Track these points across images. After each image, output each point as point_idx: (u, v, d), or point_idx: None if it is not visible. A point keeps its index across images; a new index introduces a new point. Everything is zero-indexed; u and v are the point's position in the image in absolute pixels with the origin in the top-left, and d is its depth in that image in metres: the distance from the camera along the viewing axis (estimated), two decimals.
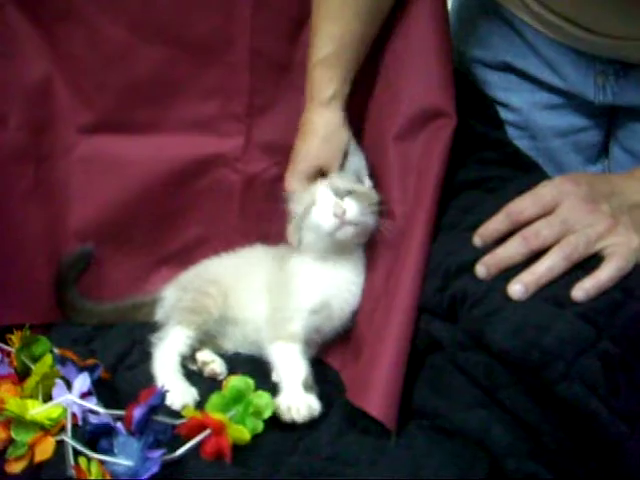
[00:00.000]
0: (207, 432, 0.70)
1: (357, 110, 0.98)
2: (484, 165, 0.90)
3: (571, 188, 0.74)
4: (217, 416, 0.70)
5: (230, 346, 0.95)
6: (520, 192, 0.78)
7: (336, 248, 0.89)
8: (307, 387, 0.82)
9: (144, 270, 1.06)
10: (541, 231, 0.73)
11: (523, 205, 0.75)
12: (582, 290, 0.69)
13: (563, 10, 0.91)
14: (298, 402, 0.79)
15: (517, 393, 0.69)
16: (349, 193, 0.88)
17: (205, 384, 0.87)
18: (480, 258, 0.74)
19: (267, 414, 0.74)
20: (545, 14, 0.94)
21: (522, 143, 1.00)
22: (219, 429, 0.70)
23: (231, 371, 0.89)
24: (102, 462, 0.68)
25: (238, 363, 0.92)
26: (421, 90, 0.89)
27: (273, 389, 0.83)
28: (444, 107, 0.87)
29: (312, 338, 0.90)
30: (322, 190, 0.89)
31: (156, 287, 1.02)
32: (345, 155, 0.93)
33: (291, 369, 0.84)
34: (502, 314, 0.69)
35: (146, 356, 0.89)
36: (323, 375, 0.91)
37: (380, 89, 0.96)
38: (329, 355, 0.95)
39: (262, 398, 0.74)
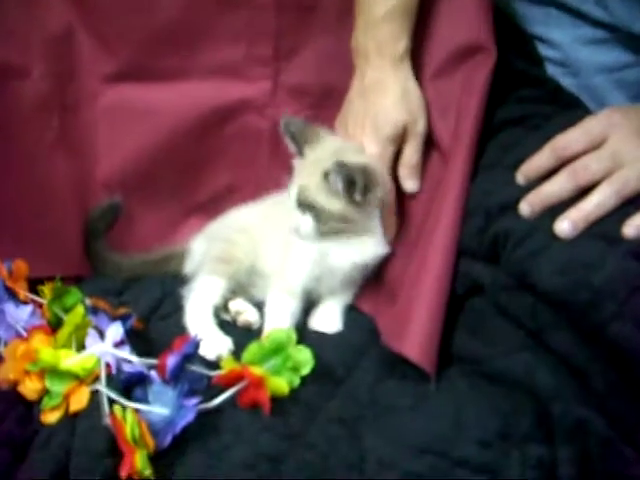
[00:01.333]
0: (245, 383, 0.68)
1: None
2: (524, 103, 0.86)
3: (620, 120, 0.71)
4: (256, 370, 0.68)
5: (263, 295, 0.92)
6: (563, 128, 0.74)
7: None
8: None
9: (173, 221, 1.04)
10: (590, 165, 0.69)
11: (569, 139, 0.72)
12: (633, 227, 0.66)
13: None
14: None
15: (564, 334, 0.66)
16: (312, 209, 0.83)
17: (239, 333, 0.85)
18: (523, 196, 0.71)
19: (305, 370, 0.72)
20: None
21: (563, 80, 0.95)
22: (258, 382, 0.68)
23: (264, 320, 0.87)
24: (137, 410, 0.67)
25: None
26: (457, 25, 0.86)
27: (307, 337, 0.83)
28: (482, 42, 0.84)
29: (318, 289, 0.88)
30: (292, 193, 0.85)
31: (185, 238, 1.01)
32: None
33: (276, 321, 0.83)
34: (548, 253, 0.66)
35: (178, 307, 0.88)
36: (356, 321, 0.89)
37: (416, 25, 0.91)
38: (361, 300, 0.93)
39: (302, 353, 0.72)
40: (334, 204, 0.82)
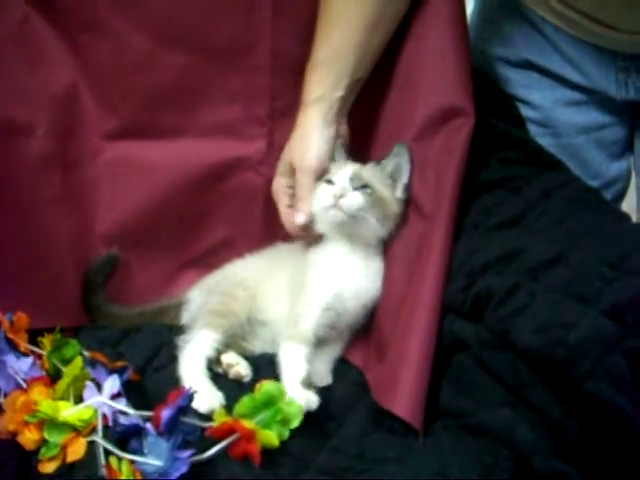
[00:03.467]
0: (236, 435, 0.71)
1: (373, 112, 1.00)
2: (507, 164, 0.90)
3: None
4: (247, 424, 0.71)
5: (256, 347, 0.96)
6: (544, 191, 0.77)
7: (336, 232, 0.92)
8: (305, 384, 0.83)
9: (170, 273, 1.07)
10: None
11: None
12: None
13: (583, 7, 0.92)
14: (297, 397, 0.79)
15: (543, 391, 0.68)
16: (364, 188, 0.89)
17: (231, 386, 0.88)
18: (504, 256, 0.75)
19: (295, 424, 0.74)
20: (565, 11, 0.94)
21: (544, 141, 0.99)
22: (249, 435, 0.70)
23: (255, 374, 0.90)
24: (132, 462, 0.69)
25: (263, 365, 0.92)
26: (438, 89, 0.89)
27: None
28: (462, 106, 0.88)
29: (327, 334, 0.91)
30: (342, 173, 0.91)
31: (182, 290, 1.03)
32: (323, 158, 0.94)
33: (292, 368, 0.85)
34: (527, 312, 0.69)
35: (173, 358, 0.91)
36: (347, 374, 0.92)
37: (396, 90, 0.97)
38: (352, 353, 0.96)
39: (292, 407, 0.74)
40: (384, 190, 0.90)
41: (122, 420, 0.73)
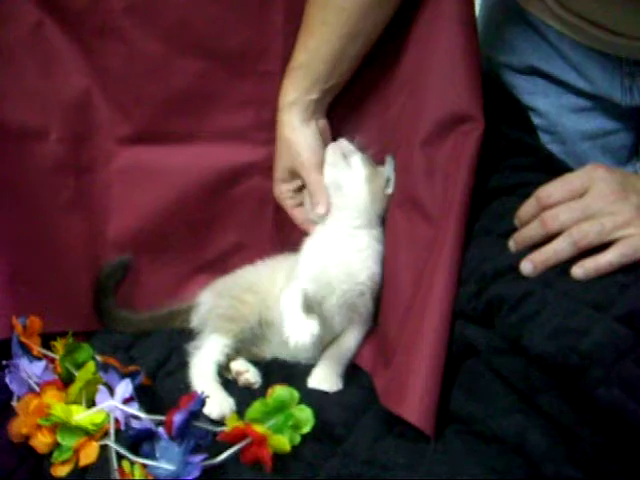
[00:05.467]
0: (248, 440, 0.71)
1: (379, 117, 1.01)
2: (518, 171, 0.89)
3: (602, 175, 0.74)
4: (259, 428, 0.71)
5: (267, 353, 0.96)
6: None
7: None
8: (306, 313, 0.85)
9: (181, 278, 1.07)
10: (559, 215, 0.74)
11: (551, 189, 0.76)
12: (581, 268, 0.70)
13: (584, 11, 0.91)
14: (298, 325, 0.83)
15: (554, 398, 0.69)
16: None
17: (242, 392, 0.88)
18: (516, 263, 0.75)
19: (306, 429, 0.74)
20: (567, 16, 0.94)
21: (551, 148, 1.00)
22: (260, 440, 0.70)
23: (265, 379, 0.91)
24: (145, 466, 0.69)
25: (273, 371, 0.93)
26: (447, 94, 0.89)
27: (308, 395, 0.84)
28: (471, 111, 0.87)
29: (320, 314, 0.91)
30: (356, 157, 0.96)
31: (193, 294, 1.03)
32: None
33: (291, 298, 0.87)
34: (539, 318, 0.69)
35: (184, 363, 0.91)
36: (357, 378, 0.92)
37: (405, 94, 0.97)
38: (360, 358, 0.96)
39: (303, 412, 0.75)
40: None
41: (134, 424, 0.73)
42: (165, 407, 0.75)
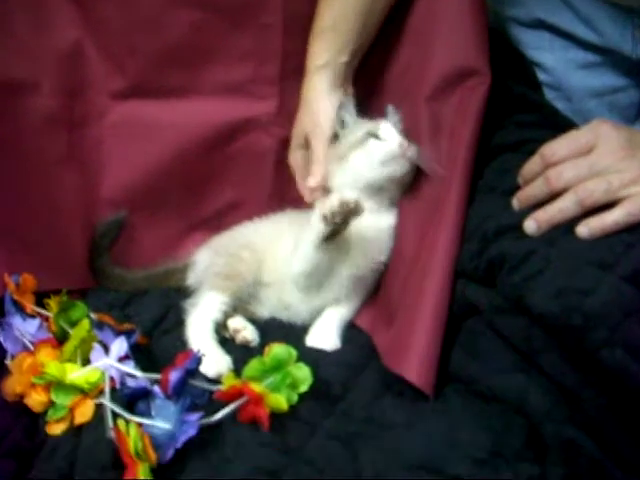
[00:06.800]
0: (245, 399, 0.70)
1: (385, 70, 0.98)
2: (523, 127, 0.87)
3: (609, 131, 0.72)
4: (256, 387, 0.70)
5: (264, 312, 0.95)
6: None
7: (373, 190, 0.90)
8: None
9: (177, 236, 1.05)
10: (563, 173, 0.72)
11: (556, 146, 0.74)
12: (586, 226, 0.69)
13: None
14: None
15: (557, 358, 0.68)
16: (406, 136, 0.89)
17: (239, 350, 0.87)
18: (519, 221, 0.73)
19: (303, 388, 0.73)
20: None
21: (556, 105, 0.97)
22: (257, 399, 0.70)
23: (263, 338, 0.90)
24: (140, 424, 0.68)
25: (271, 330, 0.92)
26: (453, 48, 0.87)
27: (305, 354, 0.83)
28: (478, 65, 0.85)
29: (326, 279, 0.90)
30: (385, 127, 0.90)
31: (189, 252, 1.02)
32: (333, 123, 0.94)
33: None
34: (543, 277, 0.68)
35: (181, 321, 0.90)
36: (355, 338, 0.91)
37: (409, 48, 0.95)
38: (360, 317, 0.95)
39: (301, 371, 0.73)
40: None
41: (130, 383, 0.73)
42: (161, 365, 0.74)
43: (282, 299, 0.93)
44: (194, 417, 0.69)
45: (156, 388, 0.71)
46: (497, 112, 0.86)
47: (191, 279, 0.98)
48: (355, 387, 0.80)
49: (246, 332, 0.89)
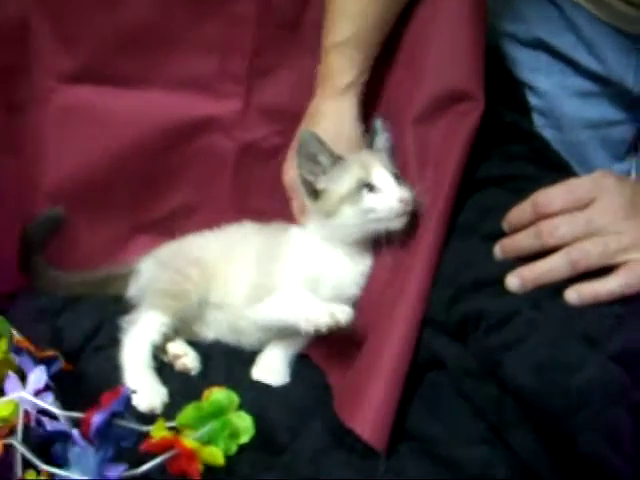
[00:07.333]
0: (174, 452, 0.62)
1: (372, 89, 0.89)
2: (510, 160, 0.80)
3: (612, 186, 0.65)
4: (188, 442, 0.62)
5: (209, 333, 0.87)
6: None
7: (363, 239, 0.81)
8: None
9: (121, 238, 0.97)
10: (559, 228, 0.64)
11: (552, 196, 0.66)
12: (576, 292, 0.62)
13: None
14: (325, 313, 0.72)
15: (528, 436, 0.61)
16: (399, 178, 0.79)
17: (178, 378, 0.80)
18: (500, 274, 0.66)
19: (244, 439, 0.65)
20: None
21: (545, 133, 0.91)
22: (190, 454, 0.61)
23: (205, 365, 0.83)
24: (52, 475, 0.60)
25: (214, 355, 0.85)
26: (447, 69, 0.79)
27: (252, 386, 0.79)
28: (471, 89, 0.78)
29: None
30: (378, 173, 0.79)
31: (132, 258, 0.94)
32: (373, 133, 0.84)
33: (294, 298, 0.77)
34: (524, 346, 0.61)
35: (116, 338, 0.81)
36: (307, 374, 0.83)
37: (401, 65, 0.87)
38: (313, 350, 0.86)
39: (243, 420, 0.66)
40: None
41: (47, 424, 0.63)
42: (90, 391, 0.65)
43: (232, 323, 0.85)
44: (117, 470, 0.61)
45: (76, 432, 0.62)
46: (483, 139, 0.78)
47: (132, 290, 0.89)
48: (303, 434, 0.73)
49: (186, 359, 0.82)
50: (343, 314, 0.72)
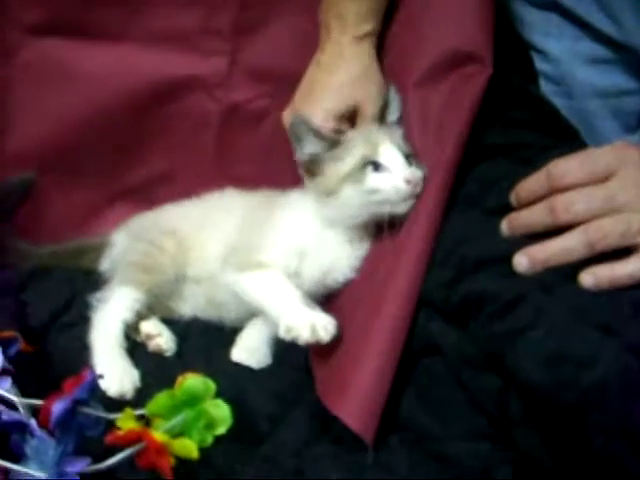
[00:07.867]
0: (142, 445, 0.56)
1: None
2: (517, 127, 0.75)
3: (635, 157, 0.59)
4: (158, 435, 0.56)
5: (187, 310, 0.82)
6: None
7: (364, 223, 0.74)
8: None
9: (94, 207, 0.93)
10: (575, 204, 0.59)
11: (568, 167, 0.61)
12: (592, 276, 0.56)
13: None
14: (306, 321, 0.66)
15: (536, 436, 0.56)
16: (410, 157, 0.72)
17: (151, 360, 0.75)
18: (506, 252, 0.60)
19: (221, 430, 0.60)
20: None
21: (554, 101, 0.85)
22: (159, 448, 0.56)
23: (181, 345, 0.78)
24: (7, 472, 0.54)
25: (190, 335, 0.80)
26: (452, 28, 0.74)
27: (230, 369, 0.74)
28: (478, 50, 0.72)
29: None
30: (388, 152, 0.72)
31: (107, 229, 0.89)
32: (385, 104, 0.78)
33: (280, 292, 0.71)
34: (532, 335, 0.55)
35: (85, 316, 0.77)
36: (290, 357, 0.77)
37: (403, 25, 0.81)
38: None
39: (219, 409, 0.60)
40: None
41: (3, 414, 0.57)
42: (55, 375, 0.61)
43: (211, 298, 0.80)
44: (79, 464, 0.55)
45: (33, 422, 0.56)
46: (489, 105, 0.72)
47: (105, 264, 0.85)
48: (285, 424, 0.69)
49: (161, 339, 0.77)
50: (325, 331, 0.66)
